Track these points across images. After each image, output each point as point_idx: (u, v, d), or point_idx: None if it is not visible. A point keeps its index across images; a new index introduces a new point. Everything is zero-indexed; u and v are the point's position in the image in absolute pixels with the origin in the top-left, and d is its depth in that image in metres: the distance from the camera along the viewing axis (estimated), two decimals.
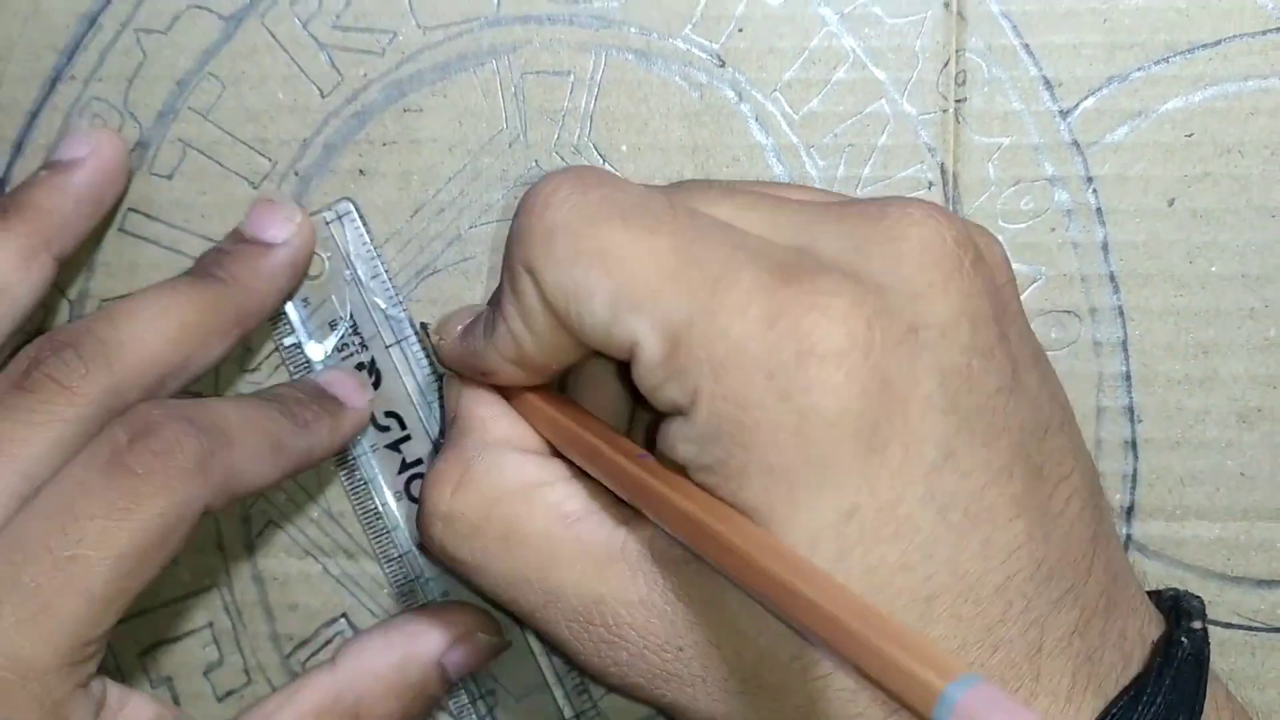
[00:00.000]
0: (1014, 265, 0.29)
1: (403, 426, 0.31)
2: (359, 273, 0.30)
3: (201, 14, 0.31)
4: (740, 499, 0.22)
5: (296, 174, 0.31)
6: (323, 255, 0.30)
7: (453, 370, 0.28)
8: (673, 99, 0.30)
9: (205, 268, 0.28)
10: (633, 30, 0.30)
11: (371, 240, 0.31)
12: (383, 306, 0.30)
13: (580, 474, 0.25)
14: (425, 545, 0.26)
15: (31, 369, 0.25)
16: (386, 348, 0.31)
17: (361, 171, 0.31)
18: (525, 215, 0.23)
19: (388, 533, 0.31)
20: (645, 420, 0.27)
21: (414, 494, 0.31)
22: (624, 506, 0.25)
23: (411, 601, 0.31)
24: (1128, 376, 0.30)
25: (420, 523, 0.25)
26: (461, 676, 0.30)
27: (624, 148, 0.31)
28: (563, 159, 0.31)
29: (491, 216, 0.31)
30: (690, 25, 0.30)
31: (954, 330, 0.22)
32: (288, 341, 0.31)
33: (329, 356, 0.31)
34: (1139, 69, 0.29)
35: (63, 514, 0.24)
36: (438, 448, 0.31)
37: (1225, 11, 0.29)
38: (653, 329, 0.22)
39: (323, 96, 0.31)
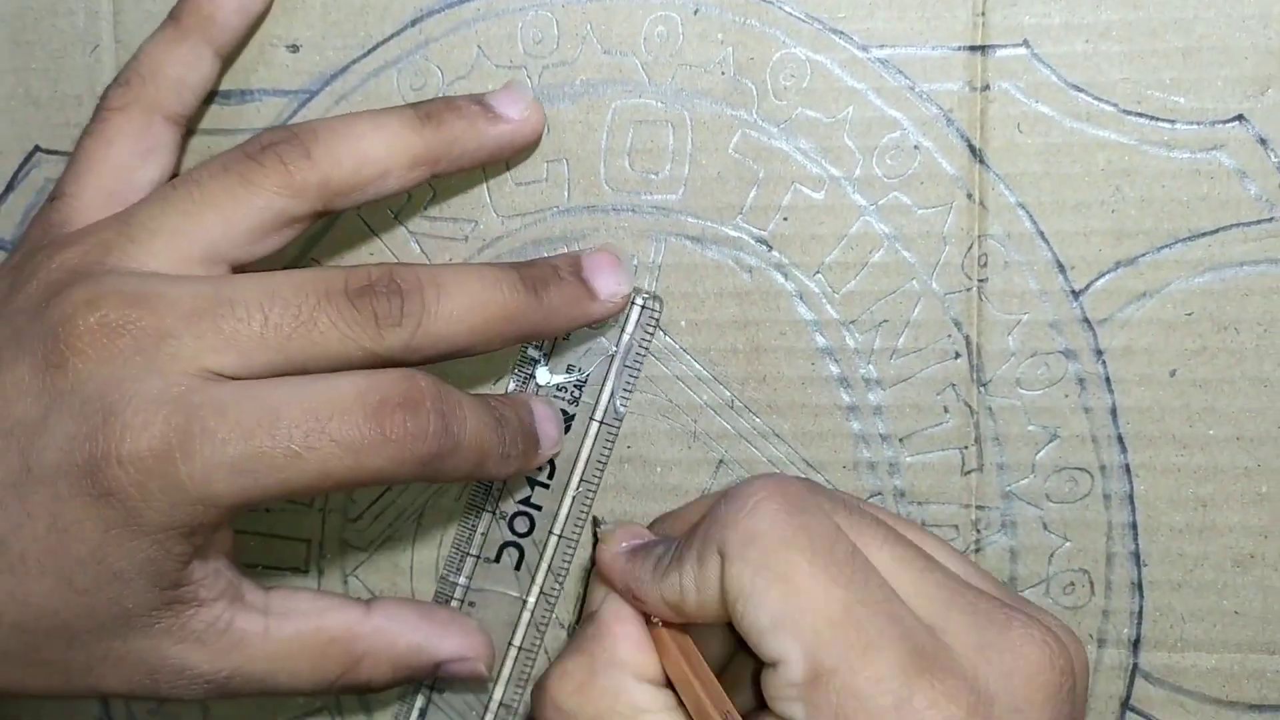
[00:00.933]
0: (1032, 427, 0.33)
1: (549, 476, 0.35)
2: (619, 357, 0.34)
3: None
4: None
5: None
6: (615, 322, 0.34)
7: (603, 577, 0.31)
8: (726, 280, 0.34)
9: (427, 111, 0.31)
10: (690, 219, 0.34)
11: (647, 346, 0.34)
12: (615, 394, 0.34)
13: (683, 708, 0.29)
14: (535, 716, 0.30)
15: (266, 145, 0.30)
16: (589, 419, 0.34)
17: None
18: (734, 509, 0.27)
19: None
20: (748, 668, 0.30)
21: (516, 527, 0.35)
22: None
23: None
24: (1134, 526, 0.33)
25: (537, 700, 0.29)
26: (440, 685, 0.34)
27: (683, 323, 0.34)
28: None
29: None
30: (741, 214, 0.34)
31: None
32: (532, 352, 0.35)
33: (545, 388, 0.34)
34: (1144, 254, 0.33)
35: (313, 416, 0.27)
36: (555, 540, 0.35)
37: (1223, 202, 0.32)
38: (801, 658, 0.25)
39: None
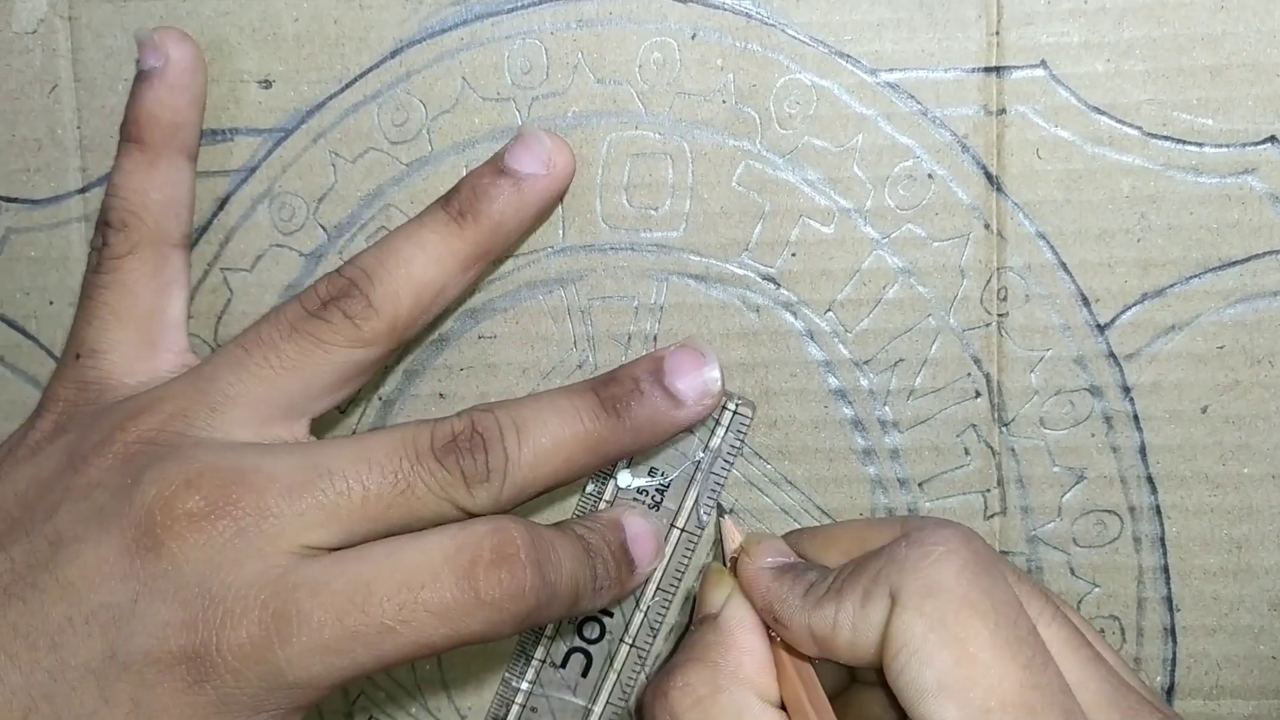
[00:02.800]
0: (1057, 468, 0.32)
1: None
2: (705, 463, 0.32)
3: (283, 252, 0.33)
4: None
5: (380, 399, 0.33)
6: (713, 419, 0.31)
7: (744, 588, 0.29)
8: (731, 320, 0.32)
9: (459, 208, 0.30)
10: (692, 257, 0.32)
11: (736, 451, 0.32)
12: (699, 502, 0.32)
13: None
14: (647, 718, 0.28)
15: (329, 301, 0.29)
16: (670, 525, 0.32)
17: (441, 395, 0.33)
18: (916, 554, 0.25)
19: None
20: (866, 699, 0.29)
21: (585, 633, 0.33)
22: None
23: None
24: (1166, 569, 0.32)
25: (653, 708, 0.27)
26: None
27: None
28: None
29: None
30: (746, 251, 0.32)
31: None
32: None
33: (625, 490, 0.32)
34: (1173, 285, 0.31)
35: (405, 587, 0.26)
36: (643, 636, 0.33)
37: (1254, 229, 0.31)
38: None
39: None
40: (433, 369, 0.33)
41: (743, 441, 0.32)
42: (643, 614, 0.32)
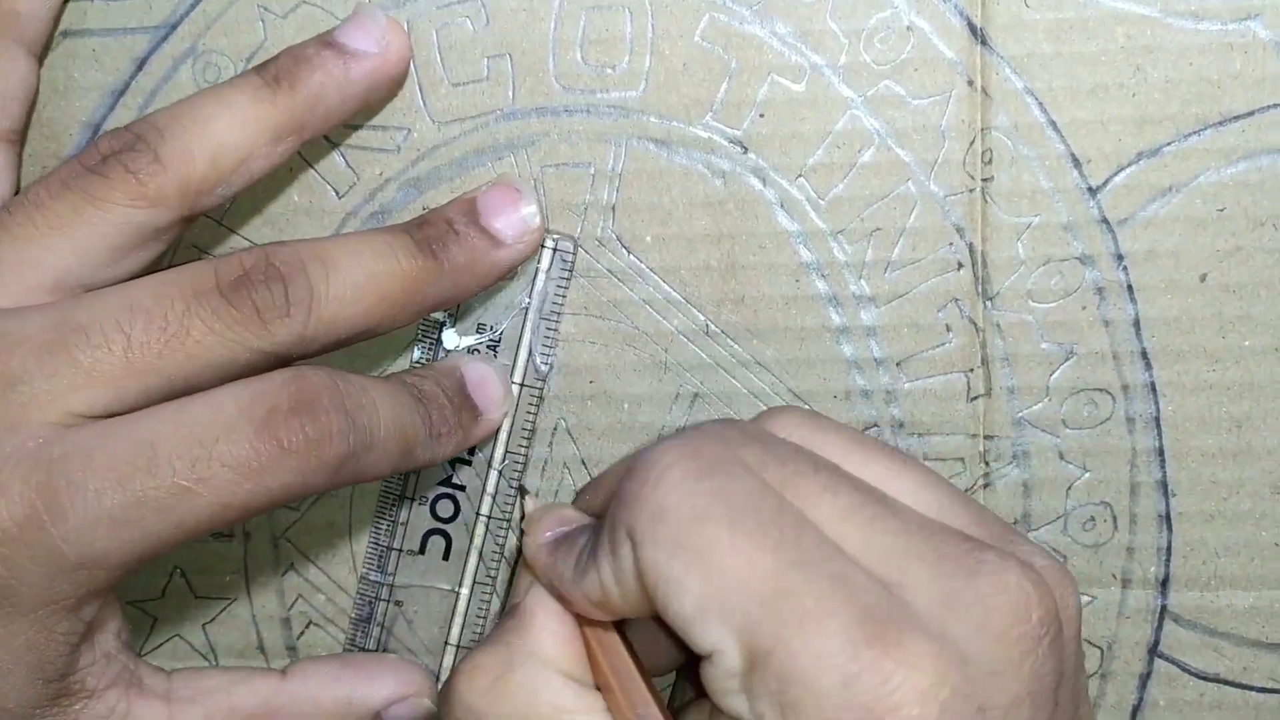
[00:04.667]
0: (1045, 345, 0.29)
1: (471, 452, 0.31)
2: (534, 305, 0.30)
3: None
4: None
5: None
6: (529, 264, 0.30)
7: (529, 569, 0.27)
8: (696, 188, 0.30)
9: (275, 73, 0.27)
10: (652, 119, 0.30)
11: (565, 291, 0.30)
12: (533, 350, 0.30)
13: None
14: (440, 714, 0.26)
15: (108, 155, 0.26)
16: (510, 383, 0.30)
17: None
18: (637, 484, 0.23)
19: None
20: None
21: (438, 511, 0.31)
22: None
23: None
24: (1161, 452, 0.30)
25: (444, 698, 0.25)
26: None
27: (648, 239, 0.30)
28: (586, 252, 0.30)
29: (513, 312, 0.30)
30: (711, 112, 0.30)
31: (1016, 711, 0.22)
32: (435, 315, 0.30)
33: (457, 350, 0.30)
34: (1169, 143, 0.29)
35: (196, 443, 0.24)
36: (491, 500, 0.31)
37: (1257, 81, 0.28)
38: (734, 644, 0.22)
39: (339, 197, 0.30)
40: None
41: (569, 280, 0.30)
42: (495, 482, 0.30)
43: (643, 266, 0.30)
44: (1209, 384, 0.30)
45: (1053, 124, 0.29)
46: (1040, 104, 0.29)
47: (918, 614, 0.22)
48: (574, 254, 0.30)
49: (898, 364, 0.30)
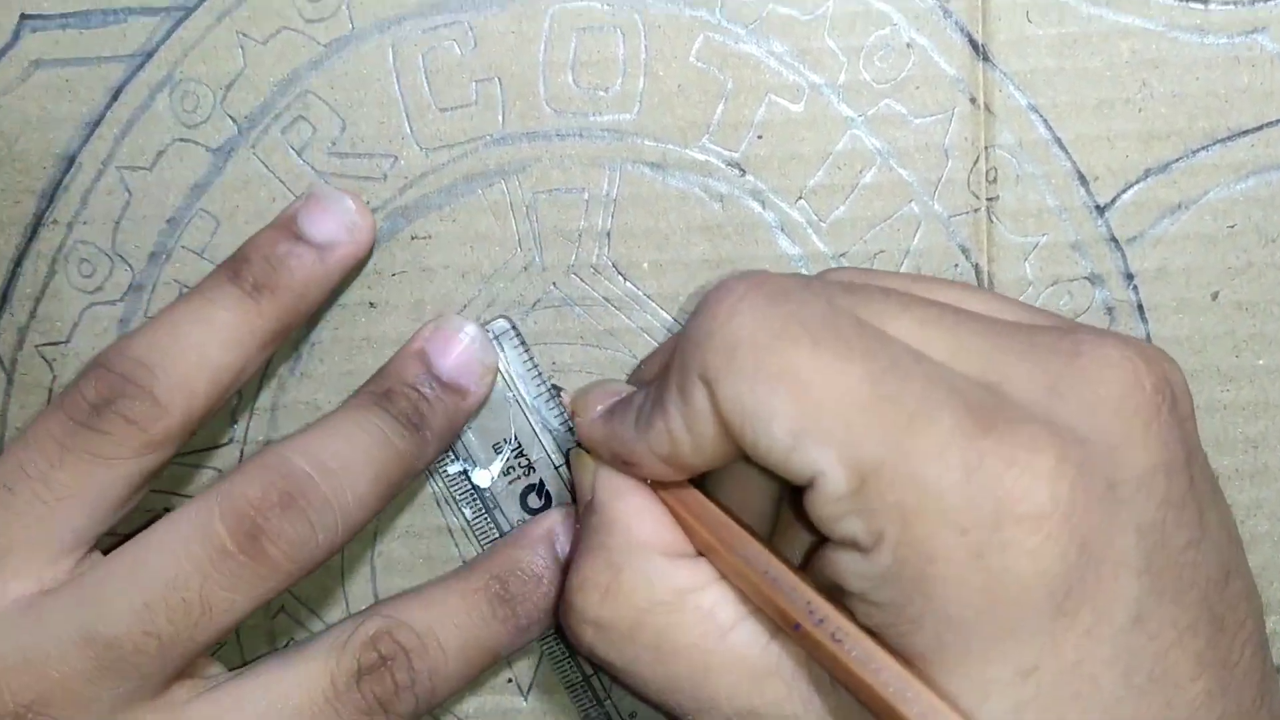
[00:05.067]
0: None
1: None
2: (521, 393, 0.29)
3: (188, 147, 0.29)
4: (908, 643, 0.21)
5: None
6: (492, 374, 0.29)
7: (588, 449, 0.26)
8: (693, 212, 0.29)
9: (254, 281, 0.27)
10: (647, 142, 0.29)
11: (533, 360, 0.29)
12: (552, 429, 0.29)
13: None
14: (574, 645, 0.25)
15: (102, 405, 0.25)
16: (556, 469, 0.29)
17: (372, 304, 0.29)
18: (707, 320, 0.22)
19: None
20: (791, 521, 0.26)
21: None
22: None
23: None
24: None
25: (568, 624, 0.25)
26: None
27: (645, 265, 0.29)
28: (582, 280, 0.29)
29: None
30: (707, 134, 0.29)
31: (1150, 483, 0.21)
32: (452, 470, 0.30)
33: (496, 481, 0.29)
34: (1178, 159, 0.28)
35: (169, 590, 0.24)
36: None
37: (1265, 94, 0.28)
38: (839, 462, 0.21)
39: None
40: (361, 275, 0.29)
41: (526, 348, 0.29)
42: None
43: (640, 294, 0.29)
44: (1223, 404, 0.29)
45: (1058, 141, 0.28)
46: (1045, 120, 0.28)
47: (1024, 403, 0.21)
48: (513, 326, 0.29)
49: None
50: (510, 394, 0.29)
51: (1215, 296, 0.29)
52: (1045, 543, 0.20)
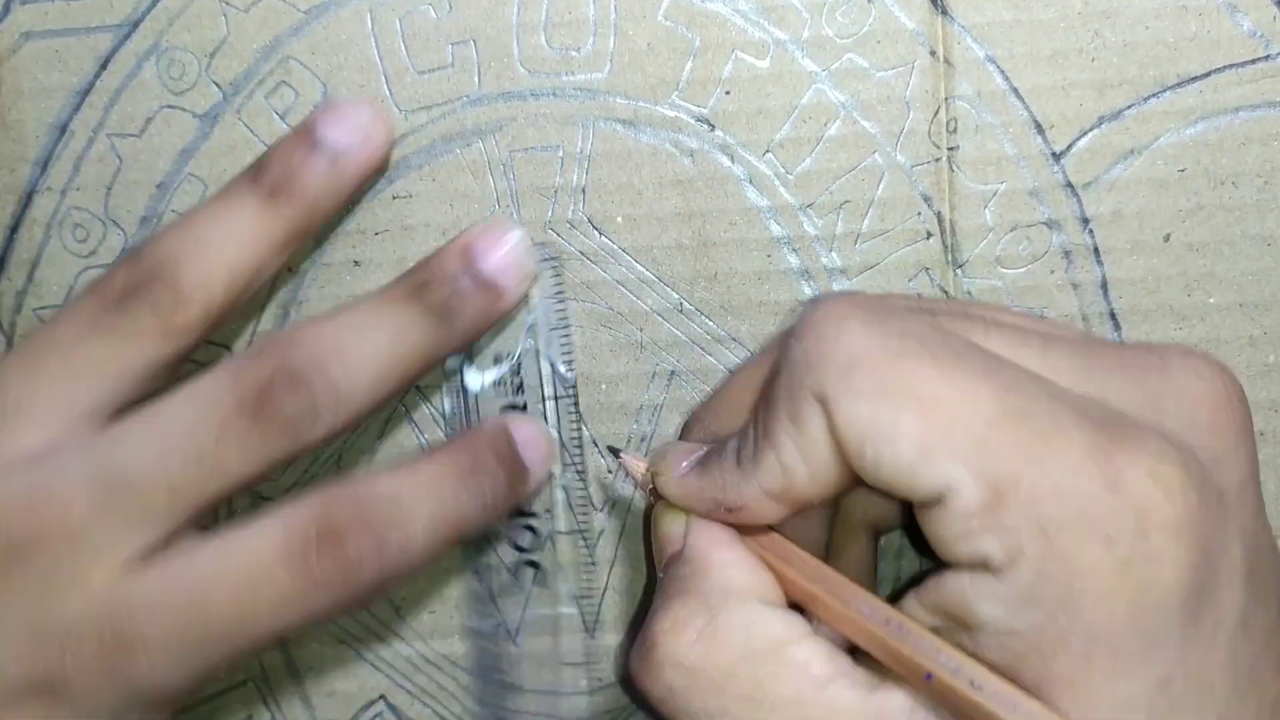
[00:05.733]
0: (1017, 308, 0.30)
1: None
2: (539, 320, 0.30)
3: (175, 114, 0.30)
4: (1049, 668, 0.21)
5: (290, 269, 0.31)
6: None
7: (680, 505, 0.26)
8: (665, 167, 0.30)
9: (271, 185, 0.27)
10: (619, 100, 0.30)
11: (562, 294, 0.30)
12: (554, 362, 0.30)
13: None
14: (644, 688, 0.24)
15: (130, 293, 0.26)
16: (543, 399, 0.30)
17: (356, 263, 0.31)
18: (815, 341, 0.22)
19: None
20: (845, 547, 0.27)
21: (520, 542, 0.31)
22: (872, 663, 0.23)
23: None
24: None
25: (646, 667, 0.23)
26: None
27: (619, 219, 0.30)
28: (558, 235, 0.30)
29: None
30: (677, 91, 0.30)
31: (1246, 493, 0.22)
32: (450, 364, 0.30)
33: (484, 390, 0.30)
34: (1130, 106, 0.29)
35: (243, 591, 0.25)
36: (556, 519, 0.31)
37: (1213, 42, 0.29)
38: (972, 477, 0.21)
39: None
40: (345, 234, 0.30)
41: (561, 281, 0.30)
42: (562, 497, 0.31)
43: (615, 247, 0.30)
44: (1177, 341, 0.30)
45: (1015, 91, 0.29)
46: (1002, 71, 0.29)
47: (1136, 418, 0.22)
48: (557, 257, 0.30)
49: None
50: (529, 317, 0.30)
51: (1167, 238, 0.30)
52: (1184, 551, 0.21)
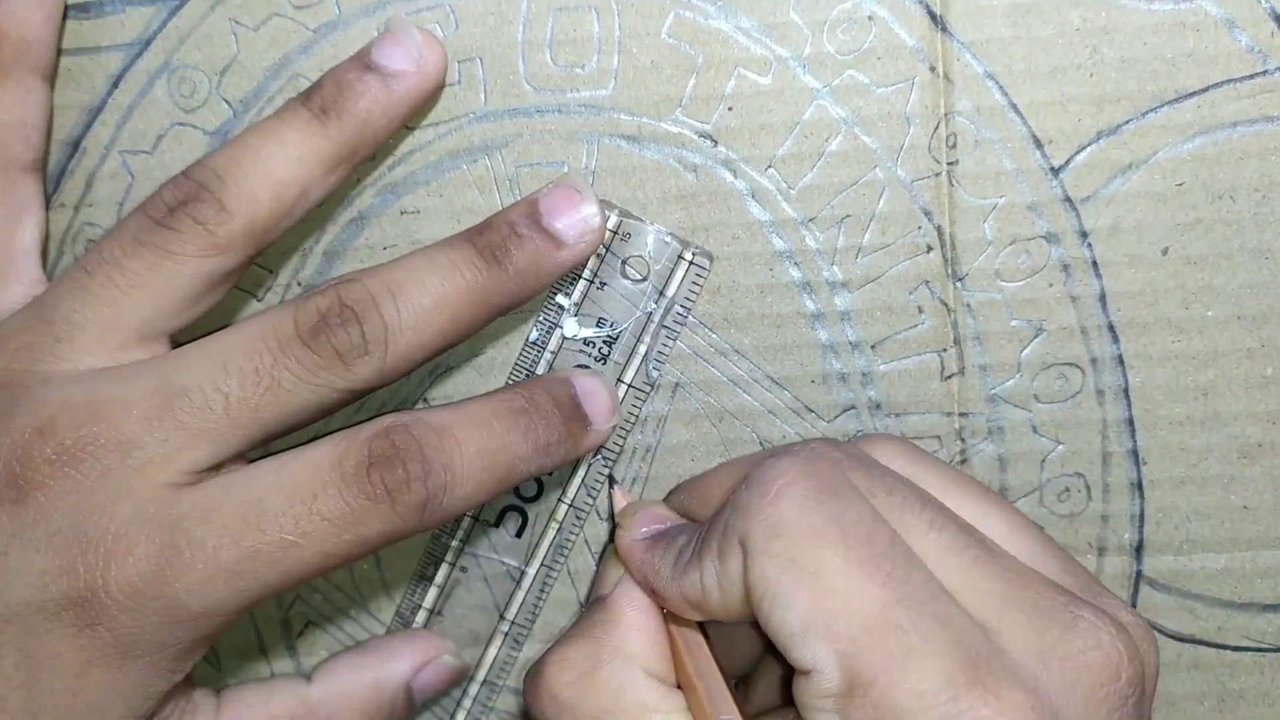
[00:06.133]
0: (1014, 322, 0.30)
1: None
2: (660, 312, 0.30)
3: (186, 131, 0.31)
4: None
5: (299, 284, 0.31)
6: (650, 262, 0.30)
7: (622, 562, 0.28)
8: (668, 182, 0.30)
9: (322, 104, 0.28)
10: (623, 116, 0.30)
11: (691, 304, 0.30)
12: (649, 356, 0.30)
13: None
14: (527, 705, 0.27)
15: (175, 207, 0.27)
16: (616, 380, 0.30)
17: None
18: (755, 494, 0.24)
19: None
20: (774, 669, 0.28)
21: (522, 490, 0.31)
22: None
23: None
24: (1131, 421, 0.31)
25: (532, 688, 0.26)
26: (426, 700, 0.31)
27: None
28: None
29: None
30: (680, 108, 0.30)
31: None
32: (560, 299, 0.30)
33: (572, 340, 0.30)
34: (1128, 121, 0.30)
35: (298, 500, 0.25)
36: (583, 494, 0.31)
37: (1211, 58, 0.29)
38: (835, 667, 0.22)
39: (318, 204, 0.31)
40: (353, 249, 0.31)
41: (698, 293, 0.30)
42: (583, 472, 0.31)
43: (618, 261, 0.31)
44: (1175, 354, 0.30)
45: (1014, 107, 0.30)
46: (1001, 87, 0.30)
47: (1014, 663, 0.23)
48: (709, 269, 0.30)
49: (872, 347, 0.31)
50: (654, 305, 0.30)
51: (1165, 252, 0.30)
52: None
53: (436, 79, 0.29)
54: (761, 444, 0.31)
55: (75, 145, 0.31)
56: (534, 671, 0.26)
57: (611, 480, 0.30)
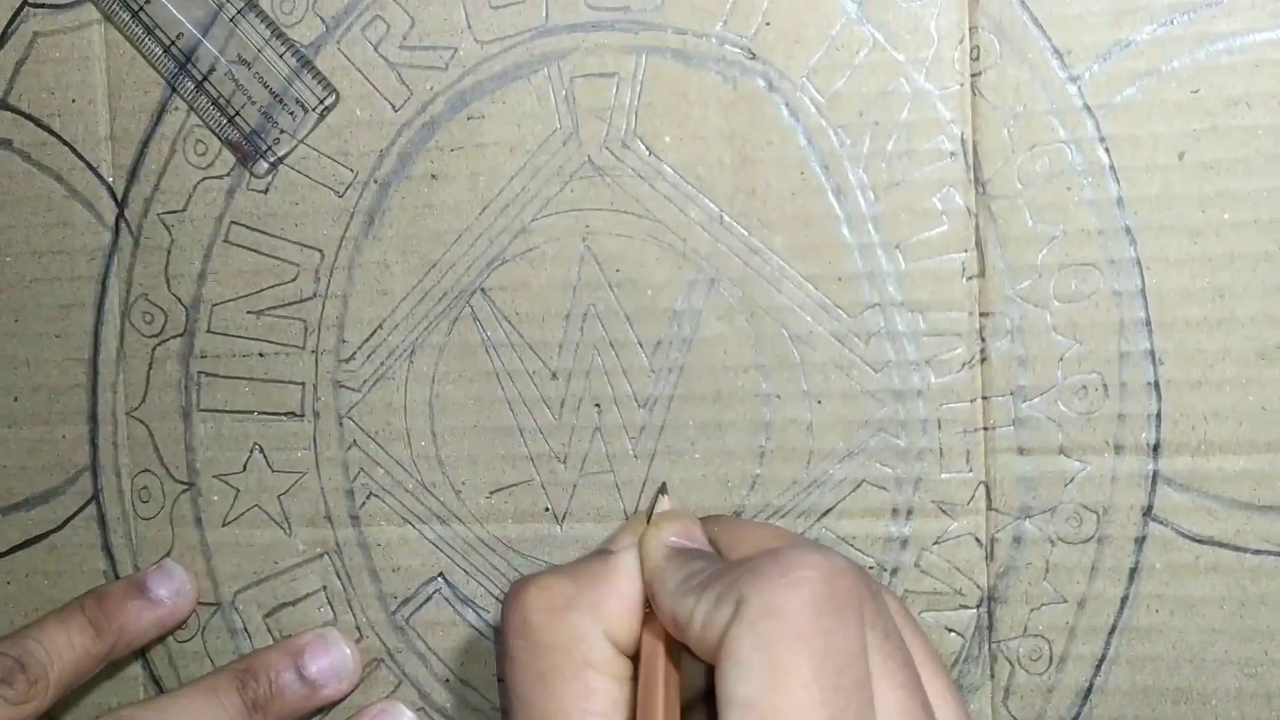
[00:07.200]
0: (1035, 225, 0.32)
1: None
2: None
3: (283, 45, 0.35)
4: None
5: (376, 182, 0.35)
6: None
7: (640, 554, 0.29)
8: (709, 92, 0.33)
9: (255, 698, 0.34)
10: (669, 31, 0.33)
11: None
12: None
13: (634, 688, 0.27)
14: (503, 607, 0.28)
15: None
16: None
17: (434, 176, 0.34)
18: (774, 569, 0.25)
19: None
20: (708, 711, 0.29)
21: None
22: None
23: None
24: (1148, 322, 0.32)
25: (512, 598, 0.28)
26: None
27: (667, 139, 0.33)
28: (612, 153, 0.34)
29: (551, 209, 0.34)
30: (721, 23, 0.33)
31: None
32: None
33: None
34: (1145, 32, 0.31)
35: None
36: None
37: None
38: None
39: (395, 110, 0.34)
40: (425, 151, 0.34)
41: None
42: None
43: (662, 164, 0.33)
44: (1191, 257, 0.31)
45: (1035, 20, 0.32)
46: (1022, 2, 0.32)
47: None
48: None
49: (897, 247, 0.33)
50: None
51: (1182, 157, 0.31)
52: None
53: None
54: (791, 340, 0.33)
55: (187, 59, 0.35)
56: (520, 583, 0.28)
57: (664, 488, 0.32)
